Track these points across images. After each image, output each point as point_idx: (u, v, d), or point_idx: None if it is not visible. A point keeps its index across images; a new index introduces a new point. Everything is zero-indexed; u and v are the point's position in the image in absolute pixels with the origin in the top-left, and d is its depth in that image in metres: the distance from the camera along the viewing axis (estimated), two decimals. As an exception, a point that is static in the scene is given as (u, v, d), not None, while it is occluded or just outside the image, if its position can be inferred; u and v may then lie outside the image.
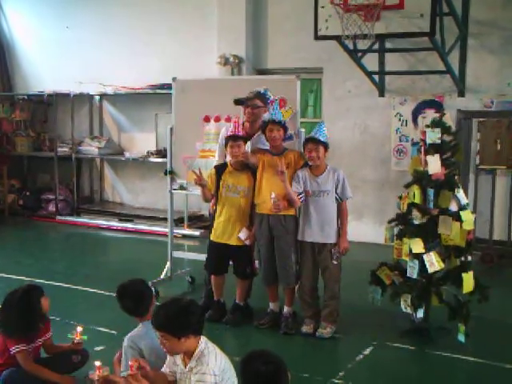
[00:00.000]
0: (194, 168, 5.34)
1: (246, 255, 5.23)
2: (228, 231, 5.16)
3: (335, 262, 4.97)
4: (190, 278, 6.43)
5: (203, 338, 3.25)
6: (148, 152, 9.45)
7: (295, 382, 2.99)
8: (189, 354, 3.22)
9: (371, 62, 7.66)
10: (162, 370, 3.42)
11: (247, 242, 5.16)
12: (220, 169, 5.22)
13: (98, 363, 3.53)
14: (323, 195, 4.94)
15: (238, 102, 5.27)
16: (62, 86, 9.96)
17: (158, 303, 5.67)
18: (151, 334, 3.62)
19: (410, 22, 6.14)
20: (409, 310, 4.78)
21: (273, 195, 4.88)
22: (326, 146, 4.91)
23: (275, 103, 5.10)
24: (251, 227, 5.16)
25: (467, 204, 4.84)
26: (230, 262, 5.33)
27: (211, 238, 5.29)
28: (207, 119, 5.82)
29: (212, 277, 5.37)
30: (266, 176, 5.03)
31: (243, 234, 5.13)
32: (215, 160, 5.53)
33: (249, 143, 5.09)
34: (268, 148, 5.10)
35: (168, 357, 3.40)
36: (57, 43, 10.43)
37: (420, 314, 4.77)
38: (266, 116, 5.11)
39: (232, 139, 5.00)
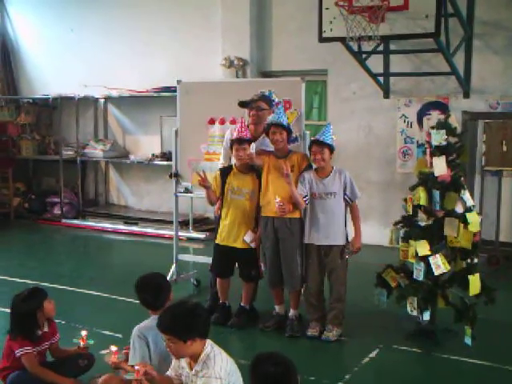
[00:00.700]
0: (199, 171, 5.34)
1: (252, 258, 5.22)
2: (233, 234, 5.15)
3: (346, 257, 4.96)
4: (195, 281, 6.41)
5: (209, 341, 3.25)
6: (153, 155, 9.47)
7: (301, 386, 2.98)
8: (195, 358, 3.21)
9: (376, 63, 7.64)
10: (168, 373, 3.42)
11: (252, 245, 5.15)
12: (225, 171, 5.21)
13: (114, 348, 3.62)
14: (330, 197, 4.94)
15: (242, 104, 5.27)
16: (67, 89, 10.00)
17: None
18: None
19: (414, 23, 6.12)
20: (415, 313, 4.76)
21: (277, 199, 4.87)
22: (331, 148, 4.90)
23: (279, 107, 5.09)
24: (256, 230, 5.15)
25: (473, 206, 4.81)
26: (236, 265, 5.32)
27: (216, 241, 5.28)
28: (212, 122, 5.83)
29: (217, 280, 5.37)
30: (271, 178, 5.02)
31: (248, 237, 5.12)
32: (220, 163, 5.53)
33: (253, 145, 5.08)
34: (273, 150, 5.10)
35: (173, 360, 3.40)
36: (61, 46, 10.46)
37: (426, 316, 4.75)
38: (269, 118, 5.12)
39: (237, 142, 5.00)
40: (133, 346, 3.64)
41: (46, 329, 4.05)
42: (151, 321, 3.69)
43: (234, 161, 5.24)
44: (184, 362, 3.32)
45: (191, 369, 3.24)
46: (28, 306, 3.93)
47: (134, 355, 3.59)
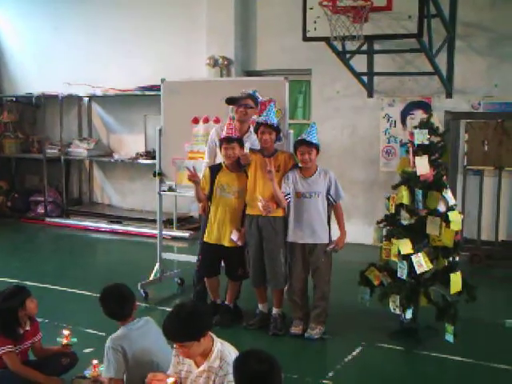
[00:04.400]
0: (189, 166, 5.32)
1: (238, 257, 5.21)
2: (222, 232, 5.14)
3: (328, 250, 4.98)
4: (179, 280, 6.42)
5: (212, 334, 3.28)
6: (137, 153, 9.45)
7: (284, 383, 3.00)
8: (205, 354, 3.22)
9: (360, 63, 7.68)
10: (169, 372, 3.42)
11: (239, 243, 5.14)
12: (214, 169, 5.20)
13: (95, 361, 3.66)
14: (314, 196, 4.95)
15: (230, 101, 5.25)
16: (51, 87, 9.93)
17: (147, 305, 5.71)
18: (132, 335, 3.66)
19: (398, 24, 6.16)
20: (397, 311, 4.79)
21: (260, 198, 4.89)
22: (318, 148, 4.92)
23: (271, 105, 5.09)
24: (241, 228, 5.16)
25: (455, 205, 4.86)
26: (222, 264, 5.32)
27: (205, 239, 5.25)
28: (196, 121, 5.83)
29: (206, 279, 5.36)
30: (258, 177, 5.03)
31: (234, 236, 5.11)
32: (204, 161, 5.52)
33: (247, 145, 5.08)
34: (259, 148, 5.11)
35: (173, 358, 3.41)
36: (45, 45, 10.40)
37: (408, 314, 4.78)
38: (255, 117, 5.13)
39: (226, 141, 4.99)
40: (106, 358, 3.63)
41: (27, 327, 4.03)
42: (122, 331, 3.71)
43: (219, 159, 5.24)
44: (187, 359, 3.31)
45: (197, 365, 3.25)
46: (10, 305, 3.91)
47: (108, 367, 3.59)
